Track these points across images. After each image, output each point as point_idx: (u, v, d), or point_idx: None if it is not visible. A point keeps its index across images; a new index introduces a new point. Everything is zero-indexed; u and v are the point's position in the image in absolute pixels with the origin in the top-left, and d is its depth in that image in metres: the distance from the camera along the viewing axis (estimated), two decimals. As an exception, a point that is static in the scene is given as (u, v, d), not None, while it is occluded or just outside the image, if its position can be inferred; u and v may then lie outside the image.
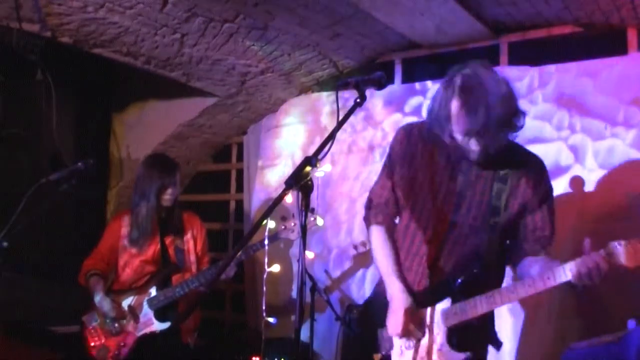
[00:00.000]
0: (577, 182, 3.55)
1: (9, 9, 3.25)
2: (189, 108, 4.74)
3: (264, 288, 3.28)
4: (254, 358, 3.86)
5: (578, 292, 1.99)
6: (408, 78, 4.35)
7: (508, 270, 2.35)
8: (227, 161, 5.34)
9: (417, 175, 2.24)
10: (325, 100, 4.67)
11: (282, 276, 4.23)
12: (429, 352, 2.14)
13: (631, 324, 2.81)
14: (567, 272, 1.94)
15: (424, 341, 2.16)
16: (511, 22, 3.77)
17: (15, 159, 4.24)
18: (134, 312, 3.44)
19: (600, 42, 3.62)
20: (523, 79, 3.77)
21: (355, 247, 4.27)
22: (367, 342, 2.35)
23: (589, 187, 3.52)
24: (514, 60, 3.88)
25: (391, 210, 2.35)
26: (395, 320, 2.17)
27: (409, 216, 2.28)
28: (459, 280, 2.14)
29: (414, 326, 2.16)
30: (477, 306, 2.10)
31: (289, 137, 4.83)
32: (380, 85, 1.94)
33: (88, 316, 3.48)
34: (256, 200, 4.91)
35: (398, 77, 4.38)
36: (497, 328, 2.32)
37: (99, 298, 3.39)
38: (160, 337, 3.42)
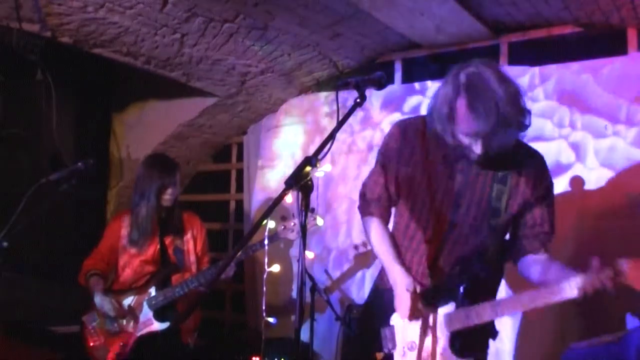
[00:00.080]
0: (577, 181, 3.55)
1: (9, 9, 3.25)
2: (189, 108, 4.74)
3: (264, 288, 3.28)
4: (254, 358, 3.86)
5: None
6: (408, 78, 4.35)
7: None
8: (227, 161, 5.34)
9: (415, 173, 2.22)
10: (325, 100, 4.68)
11: (282, 276, 4.23)
12: (432, 355, 2.14)
13: (629, 318, 2.81)
14: (573, 289, 1.92)
15: (427, 344, 2.16)
16: (511, 22, 3.77)
17: (15, 159, 4.24)
18: (133, 312, 3.44)
19: (600, 42, 3.62)
20: (524, 76, 3.77)
21: (356, 247, 4.27)
22: (368, 340, 2.35)
23: (590, 186, 3.51)
24: (514, 60, 3.88)
25: (384, 204, 2.33)
26: (402, 304, 2.15)
27: (408, 216, 2.27)
28: (462, 287, 2.14)
29: (422, 306, 2.15)
30: (481, 314, 2.09)
31: (288, 137, 4.83)
32: (380, 85, 1.93)
33: (88, 316, 3.48)
34: (256, 200, 4.92)
35: (398, 77, 4.38)
36: (497, 327, 2.32)
37: (98, 298, 3.38)
38: (160, 337, 3.42)
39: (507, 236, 2.28)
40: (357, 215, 2.45)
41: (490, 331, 2.28)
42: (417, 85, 4.26)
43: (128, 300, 3.46)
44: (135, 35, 3.66)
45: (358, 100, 1.88)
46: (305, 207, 1.74)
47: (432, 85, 4.16)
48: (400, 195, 2.29)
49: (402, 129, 2.28)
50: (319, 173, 4.04)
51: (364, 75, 1.95)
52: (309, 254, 4.15)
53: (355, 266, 4.35)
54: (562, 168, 3.59)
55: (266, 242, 3.31)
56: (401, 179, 2.26)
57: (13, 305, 3.68)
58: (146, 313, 3.43)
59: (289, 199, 3.24)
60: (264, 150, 4.94)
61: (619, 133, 3.45)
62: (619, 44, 3.53)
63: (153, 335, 3.42)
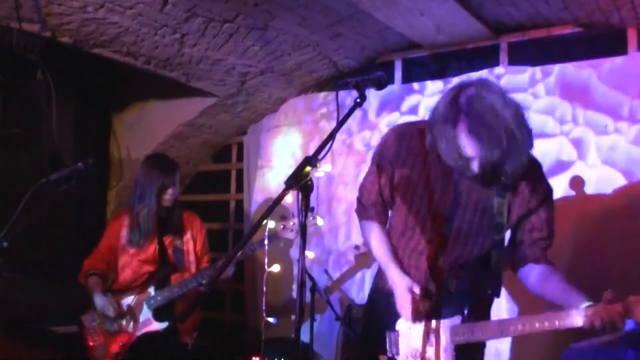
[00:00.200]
0: (577, 181, 3.54)
1: (9, 9, 3.25)
2: (189, 108, 4.74)
3: (264, 288, 3.28)
4: (254, 358, 3.86)
5: None
6: (408, 78, 4.35)
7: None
8: (227, 161, 5.34)
9: (412, 178, 2.20)
10: (324, 100, 4.67)
11: (282, 276, 4.22)
12: None
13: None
14: (580, 319, 1.89)
15: (430, 353, 2.15)
16: (511, 22, 3.77)
17: (15, 159, 4.24)
18: (133, 312, 3.44)
19: (600, 42, 3.61)
20: (524, 72, 3.77)
21: (357, 248, 4.27)
22: (370, 342, 2.35)
23: (590, 185, 3.51)
24: (514, 60, 3.88)
25: (379, 210, 2.34)
26: (404, 305, 2.15)
27: (406, 217, 2.25)
28: (469, 302, 2.15)
29: (424, 305, 2.15)
30: (485, 332, 2.10)
31: (288, 137, 4.83)
32: (380, 85, 1.93)
33: (88, 316, 3.48)
34: (256, 200, 4.91)
35: (398, 77, 4.37)
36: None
37: (98, 298, 3.39)
38: (159, 337, 3.42)
39: (506, 242, 2.27)
40: (356, 216, 2.46)
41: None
42: (415, 85, 4.25)
43: (127, 300, 3.46)
44: (135, 35, 3.66)
45: (358, 100, 1.88)
46: (305, 207, 1.73)
47: (432, 85, 4.17)
48: (397, 197, 2.28)
49: (399, 134, 2.26)
50: (319, 173, 4.04)
51: (364, 75, 1.94)
52: (309, 254, 4.15)
53: (355, 266, 4.35)
54: (564, 166, 3.57)
55: (266, 242, 3.31)
56: (397, 180, 2.25)
57: (13, 305, 3.68)
58: (145, 313, 3.43)
59: (289, 198, 3.24)
60: (264, 150, 4.94)
61: (621, 130, 3.43)
62: (619, 44, 3.53)
63: (152, 335, 3.42)
